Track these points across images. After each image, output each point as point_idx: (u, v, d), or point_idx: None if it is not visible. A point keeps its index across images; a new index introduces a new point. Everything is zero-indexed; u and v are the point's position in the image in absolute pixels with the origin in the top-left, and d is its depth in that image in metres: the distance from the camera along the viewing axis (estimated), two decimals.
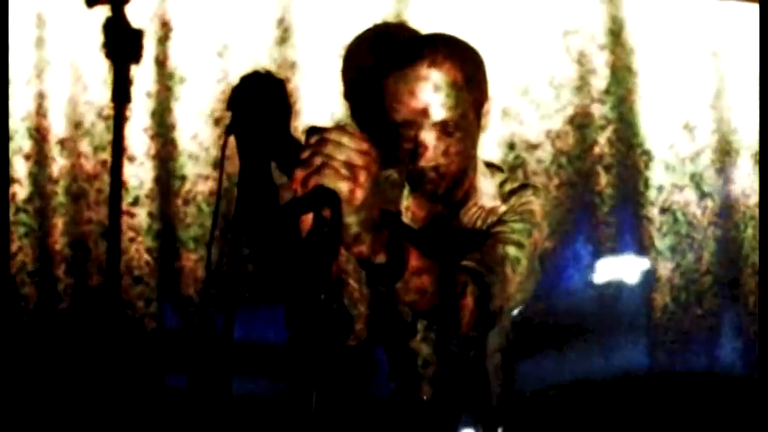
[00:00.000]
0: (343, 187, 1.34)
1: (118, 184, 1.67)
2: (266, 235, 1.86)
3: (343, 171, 1.34)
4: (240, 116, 2.07)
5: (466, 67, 1.87)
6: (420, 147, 1.85)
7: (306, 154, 1.37)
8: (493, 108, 2.02)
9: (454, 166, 1.89)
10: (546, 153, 2.69)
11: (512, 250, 1.86)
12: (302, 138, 1.41)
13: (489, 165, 2.10)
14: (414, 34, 1.98)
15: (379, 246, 1.44)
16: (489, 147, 2.52)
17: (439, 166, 1.87)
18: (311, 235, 1.35)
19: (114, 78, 1.66)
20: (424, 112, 1.82)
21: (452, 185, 1.92)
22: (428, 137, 1.84)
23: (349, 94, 2.30)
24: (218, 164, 2.49)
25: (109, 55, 1.69)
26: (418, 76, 1.81)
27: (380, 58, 1.92)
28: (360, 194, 1.35)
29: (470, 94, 1.88)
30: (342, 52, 2.45)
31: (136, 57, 1.73)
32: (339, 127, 1.42)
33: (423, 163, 1.87)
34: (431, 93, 1.81)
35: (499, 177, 2.06)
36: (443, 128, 1.85)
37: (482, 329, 1.81)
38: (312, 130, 1.40)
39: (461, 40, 1.95)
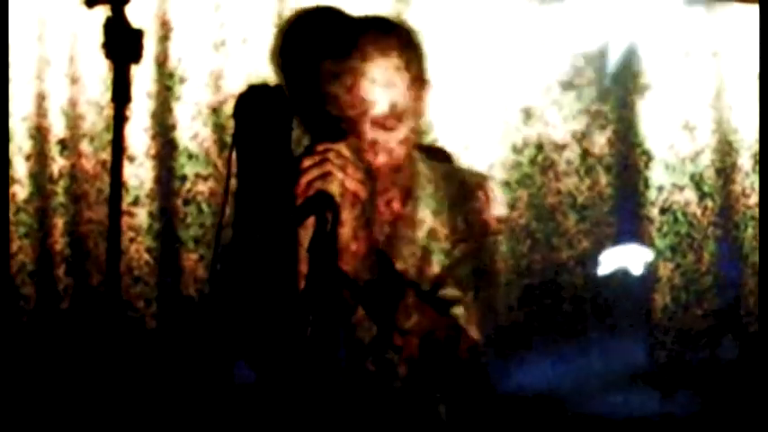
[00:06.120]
0: (341, 201, 1.42)
1: (118, 184, 1.67)
2: (265, 241, 1.84)
3: (346, 183, 1.44)
4: (243, 126, 2.07)
5: (404, 52, 1.73)
6: (362, 144, 1.71)
7: (316, 159, 1.46)
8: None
9: (395, 160, 1.76)
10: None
11: (457, 311, 1.77)
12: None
13: (428, 149, 1.98)
14: (349, 19, 1.87)
15: (366, 266, 1.54)
16: None
17: (381, 165, 1.74)
18: (315, 235, 1.44)
19: (114, 78, 1.65)
20: (362, 109, 1.69)
21: (392, 174, 1.79)
22: (369, 135, 1.71)
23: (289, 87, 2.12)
24: (215, 165, 2.53)
25: (109, 55, 1.67)
26: (354, 69, 1.68)
27: (314, 47, 1.75)
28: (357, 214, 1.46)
29: (410, 79, 1.74)
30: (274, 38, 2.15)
31: (136, 57, 1.71)
32: (350, 146, 1.51)
33: (367, 161, 1.72)
34: (368, 88, 1.68)
35: (437, 168, 1.90)
36: (384, 123, 1.72)
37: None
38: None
39: (398, 23, 1.82)
